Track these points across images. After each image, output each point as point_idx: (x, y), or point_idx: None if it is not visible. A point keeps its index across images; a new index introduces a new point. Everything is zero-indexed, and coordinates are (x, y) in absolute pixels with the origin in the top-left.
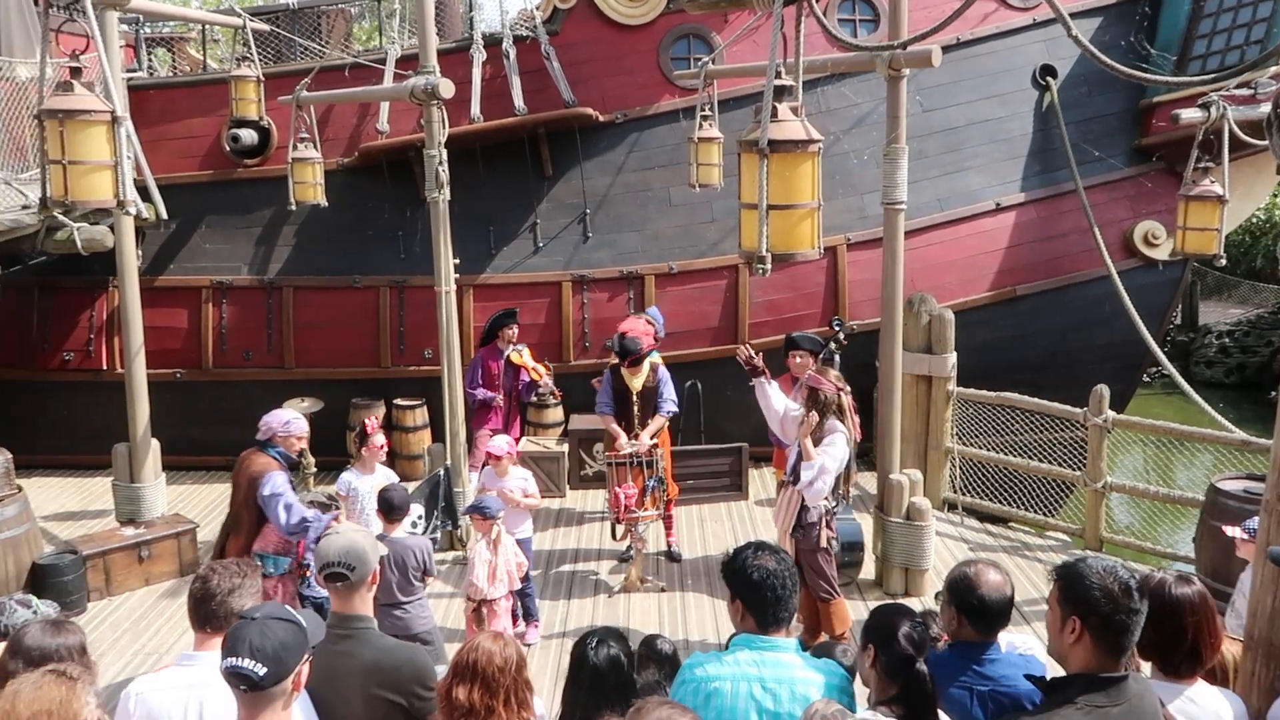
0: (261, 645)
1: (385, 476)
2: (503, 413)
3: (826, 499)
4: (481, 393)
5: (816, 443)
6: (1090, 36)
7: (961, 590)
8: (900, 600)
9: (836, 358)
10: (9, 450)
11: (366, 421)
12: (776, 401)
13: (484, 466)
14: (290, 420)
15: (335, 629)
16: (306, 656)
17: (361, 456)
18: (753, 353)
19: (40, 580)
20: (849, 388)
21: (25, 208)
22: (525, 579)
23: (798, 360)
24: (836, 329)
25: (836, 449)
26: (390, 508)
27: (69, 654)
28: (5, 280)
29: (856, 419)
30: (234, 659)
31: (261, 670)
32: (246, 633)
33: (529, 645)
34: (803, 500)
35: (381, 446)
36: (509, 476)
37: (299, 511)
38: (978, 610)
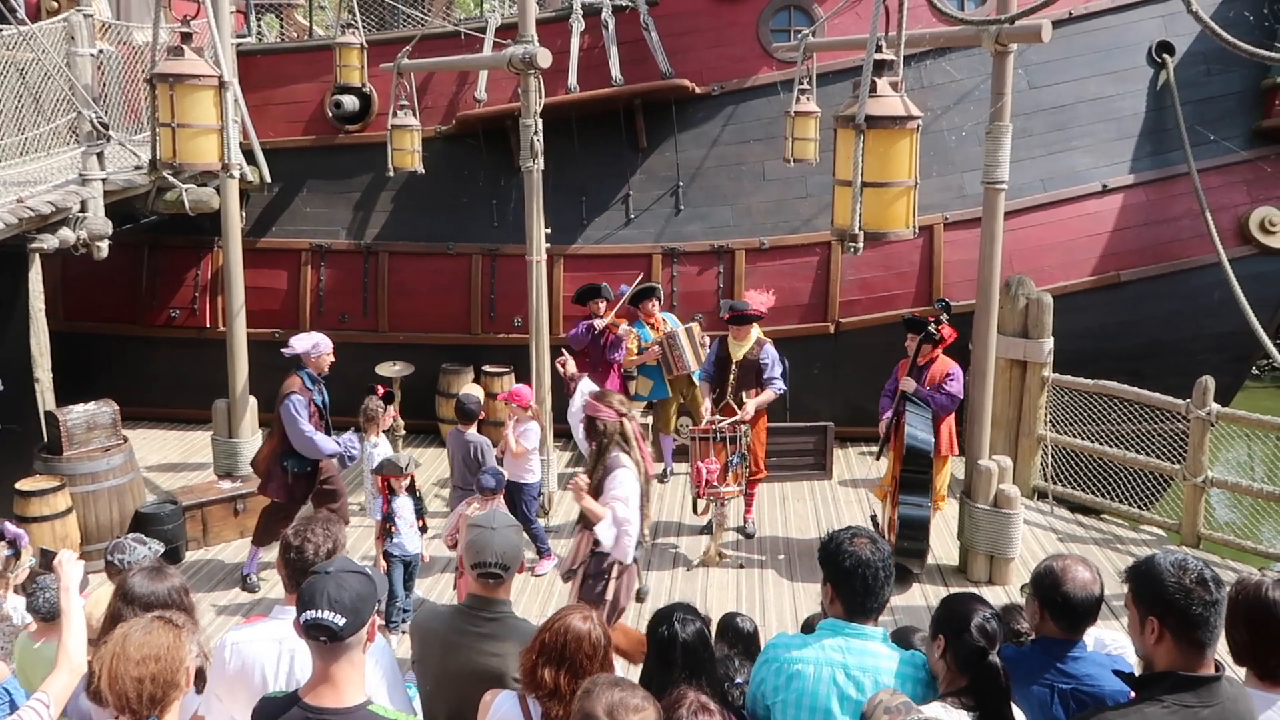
0: (339, 597)
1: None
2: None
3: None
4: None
5: (598, 487)
6: (1213, 12)
7: (1046, 585)
8: (984, 589)
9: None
10: (116, 402)
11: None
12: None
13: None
14: (318, 343)
15: (477, 612)
16: (377, 606)
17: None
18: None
19: (141, 528)
20: (635, 413)
21: (138, 168)
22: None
23: (907, 343)
24: (940, 309)
25: (623, 489)
26: (464, 410)
27: (176, 595)
28: (117, 238)
29: (646, 448)
30: (313, 611)
31: (341, 621)
32: (323, 585)
33: (539, 576)
34: (596, 541)
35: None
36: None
37: (321, 441)
38: (1061, 607)
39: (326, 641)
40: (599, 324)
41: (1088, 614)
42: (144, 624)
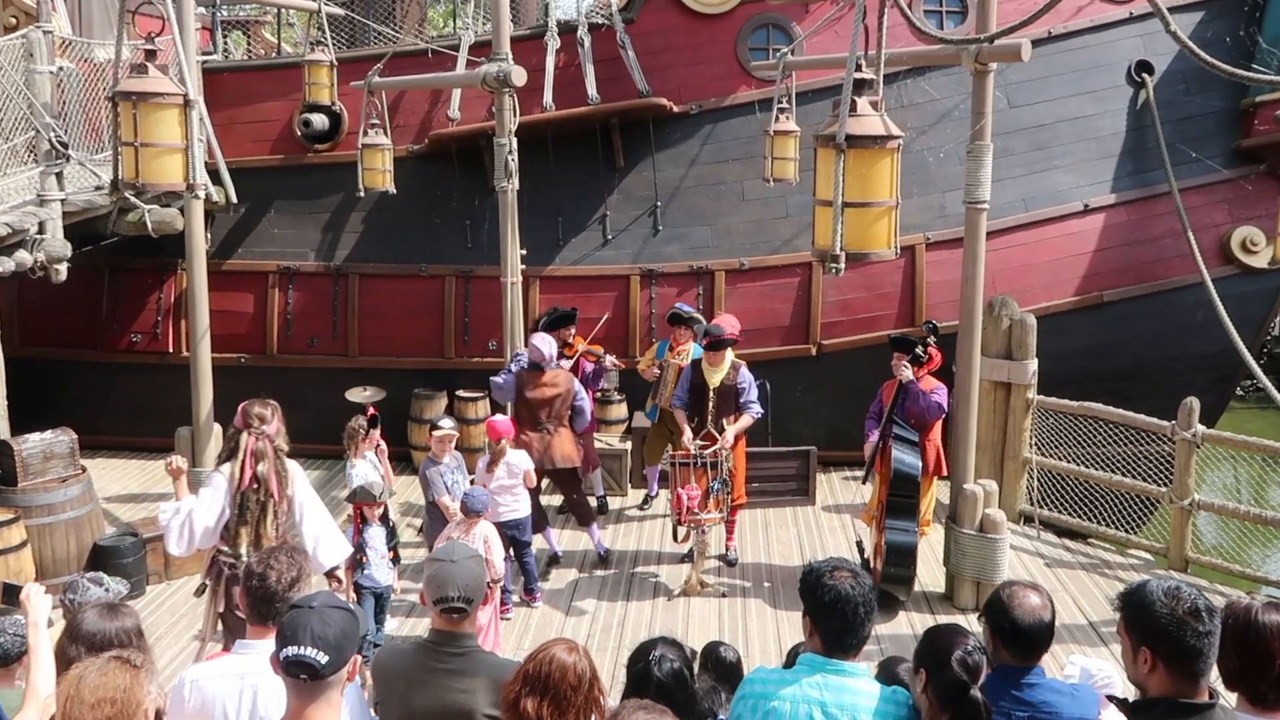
0: (323, 633)
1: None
2: None
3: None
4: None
5: None
6: (1191, 32)
7: (994, 613)
8: (970, 616)
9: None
10: (75, 430)
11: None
12: None
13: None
14: (551, 340)
15: (442, 647)
16: (359, 645)
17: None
18: None
19: (100, 561)
20: (276, 431)
21: (98, 189)
22: (496, 580)
23: (893, 362)
24: (927, 331)
25: (204, 489)
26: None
27: (127, 637)
28: (77, 260)
29: (249, 465)
30: (295, 647)
31: (324, 659)
32: (307, 620)
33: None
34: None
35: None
36: (506, 456)
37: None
38: (1010, 634)
39: (306, 680)
40: (566, 364)
41: (1038, 640)
42: (100, 665)
